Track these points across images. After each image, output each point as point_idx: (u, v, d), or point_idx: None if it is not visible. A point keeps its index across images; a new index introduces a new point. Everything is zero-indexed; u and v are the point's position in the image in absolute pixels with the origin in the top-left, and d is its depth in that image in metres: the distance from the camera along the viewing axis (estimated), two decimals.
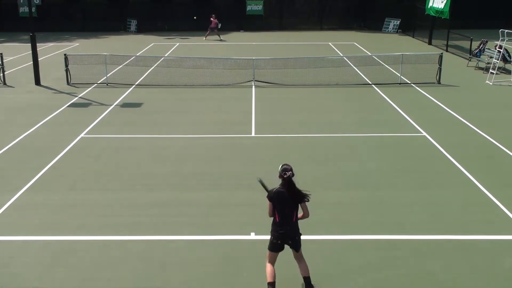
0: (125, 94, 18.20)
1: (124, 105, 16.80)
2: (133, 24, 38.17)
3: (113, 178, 10.91)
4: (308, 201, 6.73)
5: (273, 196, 6.69)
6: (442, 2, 26.76)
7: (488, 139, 13.15)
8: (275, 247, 6.80)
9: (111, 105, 16.72)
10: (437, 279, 7.28)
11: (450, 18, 26.24)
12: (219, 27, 33.50)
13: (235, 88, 19.11)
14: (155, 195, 10.03)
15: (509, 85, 19.42)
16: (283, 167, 6.70)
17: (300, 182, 10.44)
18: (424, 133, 13.62)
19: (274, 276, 6.78)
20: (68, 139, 13.26)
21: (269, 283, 6.74)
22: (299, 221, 6.88)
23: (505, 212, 9.23)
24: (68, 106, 16.63)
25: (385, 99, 17.35)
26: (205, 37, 33.77)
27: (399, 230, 8.64)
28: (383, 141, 13.10)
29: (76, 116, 15.46)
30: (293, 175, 6.66)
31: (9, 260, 7.82)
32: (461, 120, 14.90)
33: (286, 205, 6.66)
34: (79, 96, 18.03)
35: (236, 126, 14.44)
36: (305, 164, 11.52)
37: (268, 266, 6.84)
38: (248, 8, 38.96)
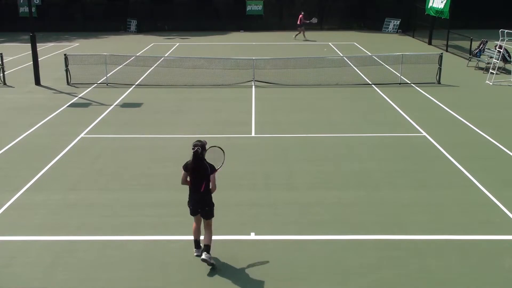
0: (125, 94, 18.20)
1: (124, 105, 16.80)
2: (133, 24, 38.18)
3: (113, 178, 10.91)
4: (211, 173, 7.48)
5: (186, 167, 7.54)
6: (442, 2, 26.76)
7: (488, 139, 13.16)
8: (190, 211, 7.73)
9: (111, 105, 16.72)
10: (437, 279, 7.28)
11: (450, 18, 26.25)
12: (315, 21, 32.66)
13: (235, 88, 19.11)
14: (155, 195, 10.03)
15: (509, 85, 19.42)
16: (194, 142, 7.50)
17: (300, 182, 10.55)
18: (424, 133, 13.63)
19: (197, 234, 7.84)
20: (68, 139, 13.26)
21: (194, 240, 7.89)
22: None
23: (505, 212, 9.23)
24: (68, 106, 16.63)
25: (385, 99, 17.35)
26: (304, 37, 32.83)
27: (399, 230, 8.64)
28: (383, 141, 13.10)
29: (76, 116, 15.46)
30: (201, 149, 7.40)
31: (9, 260, 7.82)
32: (461, 120, 14.91)
33: (195, 176, 7.47)
34: (79, 96, 18.03)
35: (236, 126, 14.44)
36: (305, 164, 11.52)
37: (193, 226, 7.86)
38: (248, 8, 38.97)
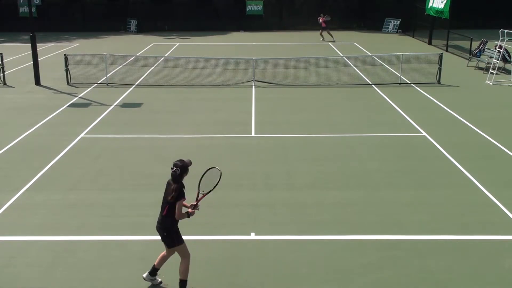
0: (125, 94, 18.20)
1: (124, 105, 16.80)
2: (133, 24, 38.18)
3: (113, 178, 10.91)
4: (172, 201, 6.65)
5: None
6: (442, 2, 26.76)
7: (488, 139, 13.16)
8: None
9: (111, 105, 16.72)
10: (437, 279, 7.29)
11: (450, 18, 26.25)
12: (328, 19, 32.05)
13: (235, 88, 19.11)
14: (155, 195, 9.97)
15: (509, 85, 19.42)
16: (175, 162, 6.78)
17: (300, 182, 10.55)
18: (424, 133, 13.63)
19: (159, 261, 7.11)
20: (68, 139, 13.26)
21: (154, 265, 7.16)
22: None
23: (505, 212, 9.23)
24: (68, 106, 16.63)
25: (385, 99, 17.35)
26: (322, 37, 32.46)
27: (399, 230, 8.64)
28: (383, 141, 13.10)
29: (76, 116, 15.46)
30: (180, 171, 6.67)
31: (9, 260, 7.82)
32: (461, 120, 14.91)
33: (164, 198, 6.79)
34: (79, 96, 18.04)
35: (236, 126, 14.44)
36: (305, 164, 11.52)
37: (161, 253, 7.17)
38: (248, 8, 38.96)
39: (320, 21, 32.18)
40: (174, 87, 19.26)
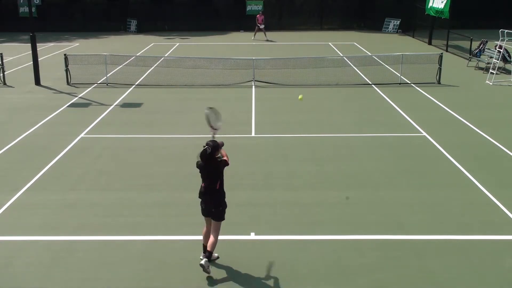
0: (125, 94, 18.20)
1: (124, 105, 16.80)
2: (133, 24, 38.16)
3: (113, 178, 10.91)
4: (220, 161, 7.20)
5: (197, 164, 7.35)
6: (442, 2, 26.76)
7: (488, 139, 13.16)
8: (202, 211, 7.47)
9: (111, 105, 16.72)
10: (437, 279, 7.29)
11: (450, 18, 26.26)
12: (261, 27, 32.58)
13: (235, 88, 19.11)
14: (155, 195, 10.03)
15: (509, 85, 19.42)
16: (208, 141, 7.11)
17: (300, 182, 10.55)
18: (424, 133, 13.63)
19: (206, 239, 7.48)
20: (68, 139, 13.26)
21: (202, 245, 7.62)
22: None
23: (505, 212, 9.23)
24: (68, 106, 16.63)
25: (385, 99, 17.35)
26: (265, 37, 32.86)
27: (399, 230, 8.64)
28: (383, 141, 13.10)
29: (76, 116, 15.46)
30: (210, 149, 7.00)
31: (9, 260, 7.82)
32: (461, 120, 14.91)
33: (206, 173, 7.21)
34: (79, 96, 18.04)
35: (236, 126, 14.43)
36: (305, 164, 11.52)
37: (204, 230, 7.62)
38: (248, 8, 38.95)
39: (258, 18, 32.46)
40: (174, 87, 19.26)
